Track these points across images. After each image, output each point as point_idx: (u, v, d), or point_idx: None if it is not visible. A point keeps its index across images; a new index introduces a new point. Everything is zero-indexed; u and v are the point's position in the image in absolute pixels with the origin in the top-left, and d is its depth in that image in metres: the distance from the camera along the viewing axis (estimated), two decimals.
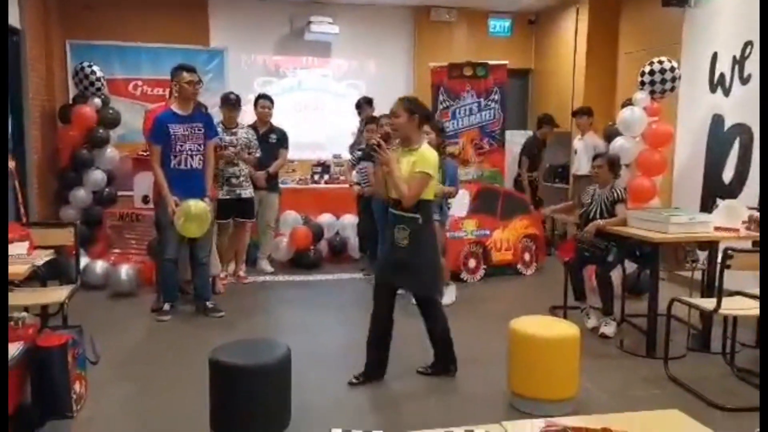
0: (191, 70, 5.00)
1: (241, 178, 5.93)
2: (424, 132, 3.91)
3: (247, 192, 5.99)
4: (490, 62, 7.68)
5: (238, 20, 7.97)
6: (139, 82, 7.55)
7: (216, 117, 5.79)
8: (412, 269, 3.60)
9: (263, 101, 6.43)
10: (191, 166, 4.96)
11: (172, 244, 5.02)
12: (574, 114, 7.43)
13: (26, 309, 3.65)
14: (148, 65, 7.55)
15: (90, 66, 6.59)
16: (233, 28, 7.95)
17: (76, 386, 3.29)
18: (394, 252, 3.63)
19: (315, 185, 7.65)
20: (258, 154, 6.03)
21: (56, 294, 3.95)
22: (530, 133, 9.14)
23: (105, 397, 3.53)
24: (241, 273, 6.36)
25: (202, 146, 4.99)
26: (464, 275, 6.34)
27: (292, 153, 6.75)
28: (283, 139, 6.51)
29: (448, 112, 7.52)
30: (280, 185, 6.89)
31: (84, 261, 5.65)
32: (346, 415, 3.41)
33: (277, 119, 6.57)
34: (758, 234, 4.27)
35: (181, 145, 4.90)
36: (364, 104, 6.98)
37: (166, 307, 5.08)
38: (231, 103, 5.87)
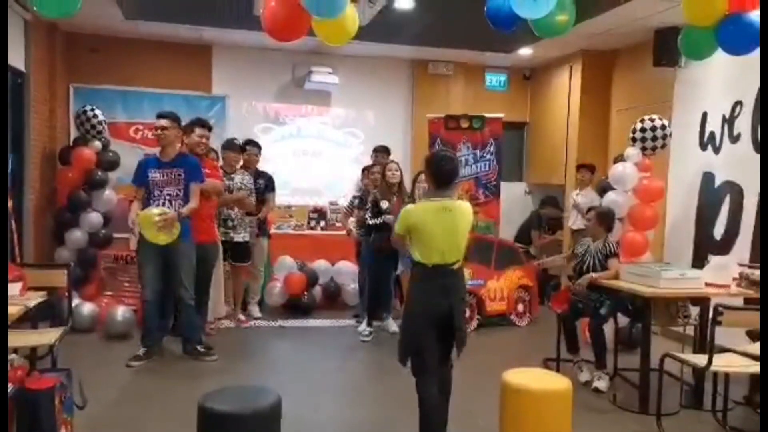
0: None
1: (236, 222, 6.03)
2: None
3: (240, 236, 6.08)
4: (486, 115, 7.83)
5: (240, 68, 8.13)
6: (141, 126, 7.65)
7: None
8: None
9: (251, 148, 6.54)
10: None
11: (149, 286, 5.02)
12: (578, 168, 7.43)
13: (15, 351, 3.62)
14: (150, 110, 7.64)
15: (92, 109, 6.70)
16: (236, 76, 8.10)
17: (62, 431, 3.24)
18: None
19: (311, 231, 7.70)
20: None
21: (46, 336, 3.92)
22: (525, 185, 9.30)
23: None
24: (241, 317, 6.38)
25: (182, 191, 5.03)
26: None
27: (290, 199, 6.75)
28: (270, 183, 6.61)
29: None
30: (275, 230, 6.90)
31: (75, 303, 5.63)
32: None
33: (275, 165, 6.66)
34: (750, 291, 4.31)
35: (160, 191, 4.98)
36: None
37: (141, 351, 5.02)
38: (235, 148, 6.10)
